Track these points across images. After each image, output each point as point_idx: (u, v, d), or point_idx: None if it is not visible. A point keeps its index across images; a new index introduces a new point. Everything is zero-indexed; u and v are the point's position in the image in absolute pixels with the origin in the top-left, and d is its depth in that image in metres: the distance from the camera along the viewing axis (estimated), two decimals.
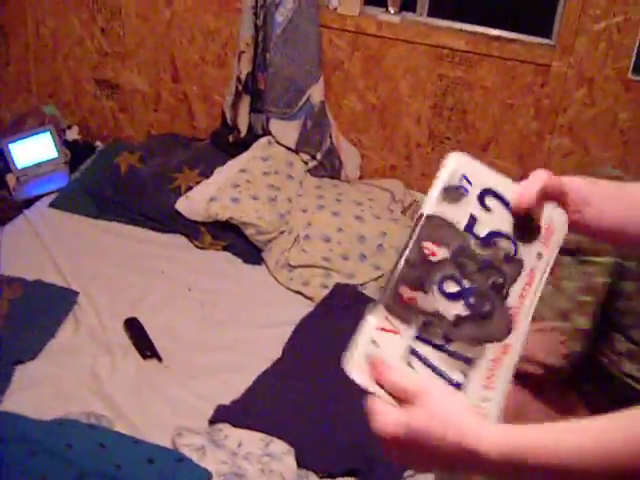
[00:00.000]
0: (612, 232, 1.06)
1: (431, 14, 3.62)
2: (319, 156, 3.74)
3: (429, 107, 3.63)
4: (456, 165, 1.01)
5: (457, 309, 0.98)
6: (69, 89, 4.27)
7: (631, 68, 3.27)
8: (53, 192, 3.68)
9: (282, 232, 3.39)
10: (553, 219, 1.02)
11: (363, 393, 0.92)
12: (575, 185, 1.04)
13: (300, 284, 3.20)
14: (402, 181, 3.76)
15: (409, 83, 3.65)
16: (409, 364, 0.95)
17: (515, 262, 1.00)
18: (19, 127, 3.99)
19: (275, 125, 3.75)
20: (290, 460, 2.28)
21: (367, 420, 0.90)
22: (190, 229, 3.44)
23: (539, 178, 1.00)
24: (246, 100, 3.76)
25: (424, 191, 1.06)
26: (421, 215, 0.98)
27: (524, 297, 1.00)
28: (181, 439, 2.30)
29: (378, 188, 3.71)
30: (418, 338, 0.96)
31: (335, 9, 3.64)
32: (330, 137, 3.76)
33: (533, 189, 0.98)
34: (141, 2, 3.93)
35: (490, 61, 3.47)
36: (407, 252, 0.97)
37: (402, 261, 0.97)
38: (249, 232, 3.37)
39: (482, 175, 1.02)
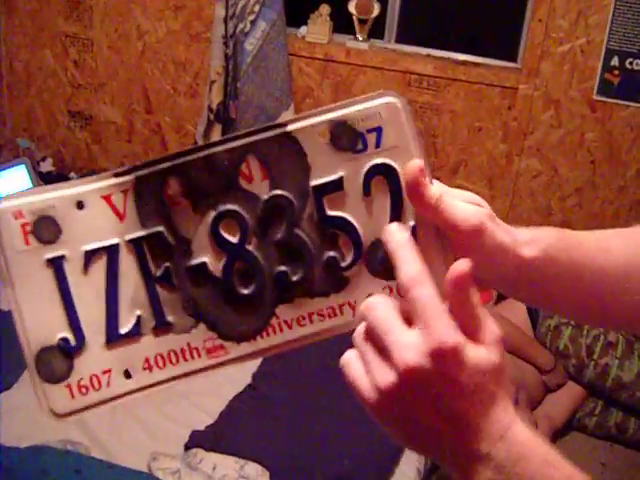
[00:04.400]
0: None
1: (399, 40, 3.67)
2: None
3: None
4: (378, 108, 0.67)
5: (209, 259, 0.68)
6: (43, 121, 4.29)
7: (596, 89, 3.33)
8: None
9: None
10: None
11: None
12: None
13: None
14: None
15: None
16: (88, 258, 0.66)
17: (337, 279, 0.68)
18: None
19: None
20: None
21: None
22: None
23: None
24: (218, 129, 3.79)
25: None
26: (280, 125, 0.67)
27: (311, 321, 0.69)
28: (156, 463, 2.30)
29: None
30: (135, 242, 0.67)
31: (304, 37, 3.68)
32: None
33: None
34: (113, 35, 3.97)
35: (457, 85, 3.52)
36: (218, 148, 0.67)
37: (200, 154, 0.67)
38: None
39: (400, 135, 0.67)
